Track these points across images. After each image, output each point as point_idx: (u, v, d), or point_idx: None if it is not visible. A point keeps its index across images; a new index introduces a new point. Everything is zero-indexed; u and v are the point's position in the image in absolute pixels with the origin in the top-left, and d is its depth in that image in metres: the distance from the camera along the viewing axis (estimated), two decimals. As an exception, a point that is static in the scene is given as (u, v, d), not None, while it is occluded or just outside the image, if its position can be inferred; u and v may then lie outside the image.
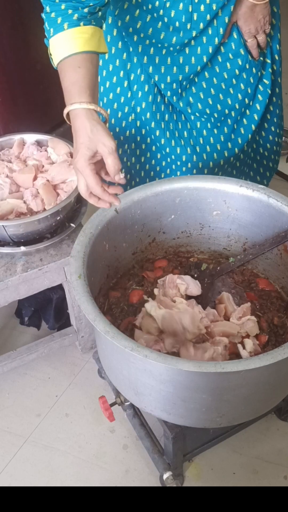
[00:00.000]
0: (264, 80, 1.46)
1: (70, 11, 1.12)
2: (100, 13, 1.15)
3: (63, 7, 1.13)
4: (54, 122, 2.18)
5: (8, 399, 1.61)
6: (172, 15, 1.28)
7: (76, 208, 1.44)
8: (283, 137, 2.56)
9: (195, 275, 1.31)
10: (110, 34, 1.38)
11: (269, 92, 1.47)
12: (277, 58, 1.47)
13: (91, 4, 1.12)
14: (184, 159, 1.53)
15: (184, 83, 1.41)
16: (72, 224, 1.41)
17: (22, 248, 1.35)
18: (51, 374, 1.66)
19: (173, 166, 1.55)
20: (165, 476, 1.33)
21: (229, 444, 1.47)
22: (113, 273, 1.31)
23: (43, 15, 1.16)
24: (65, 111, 1.10)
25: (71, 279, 1.05)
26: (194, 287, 1.25)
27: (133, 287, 1.31)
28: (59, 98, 2.28)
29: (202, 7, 1.26)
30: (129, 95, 1.45)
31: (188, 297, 1.25)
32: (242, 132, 1.50)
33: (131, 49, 1.39)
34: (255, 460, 1.45)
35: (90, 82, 1.10)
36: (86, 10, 1.13)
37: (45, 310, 1.77)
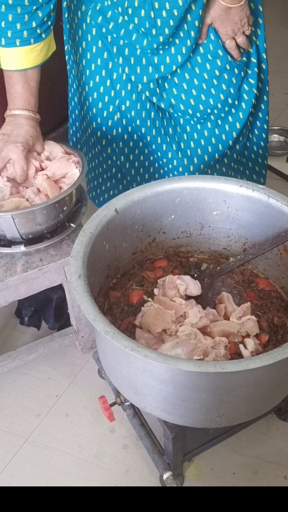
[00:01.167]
0: (250, 80, 1.45)
1: (18, 26, 1.22)
2: (49, 22, 1.25)
3: (10, 18, 1.21)
4: (55, 122, 2.18)
5: (8, 399, 1.61)
6: (136, 21, 1.28)
7: (76, 208, 1.44)
8: (283, 137, 2.59)
9: (195, 275, 1.31)
10: (90, 33, 1.38)
11: (255, 91, 1.47)
12: (264, 56, 1.47)
13: (34, 8, 1.20)
14: (169, 155, 1.53)
15: (160, 82, 1.41)
16: (72, 224, 1.41)
17: (22, 248, 1.35)
18: (51, 374, 1.66)
19: (160, 162, 1.56)
20: (165, 476, 1.33)
21: (229, 444, 1.47)
22: (113, 273, 1.31)
23: None
24: (15, 112, 1.33)
25: (71, 279, 1.05)
26: (194, 287, 1.26)
27: (133, 287, 1.31)
28: (60, 99, 2.28)
29: (164, 13, 1.26)
30: (112, 94, 1.46)
31: (188, 297, 1.25)
32: (227, 129, 1.50)
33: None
34: (255, 460, 1.45)
35: (37, 92, 1.35)
36: (34, 24, 1.22)
37: (45, 310, 1.77)
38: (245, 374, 0.97)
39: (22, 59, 1.27)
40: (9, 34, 1.23)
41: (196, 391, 1.02)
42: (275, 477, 1.42)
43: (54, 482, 1.43)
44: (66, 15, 1.44)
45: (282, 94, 2.88)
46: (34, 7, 1.21)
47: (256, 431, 1.50)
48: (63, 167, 1.39)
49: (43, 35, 1.26)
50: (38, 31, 1.24)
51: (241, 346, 1.15)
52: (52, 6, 1.23)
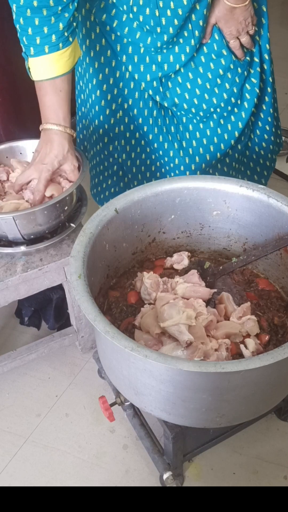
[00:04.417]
0: (252, 79, 1.46)
1: (45, 30, 1.19)
2: (74, 23, 1.22)
3: (36, 22, 1.18)
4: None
5: (8, 399, 1.61)
6: (141, 19, 1.29)
7: (76, 208, 1.44)
8: (283, 137, 2.58)
9: (198, 273, 1.31)
10: (93, 31, 1.38)
11: (257, 91, 1.47)
12: (267, 57, 1.47)
13: (59, 8, 1.17)
14: (171, 154, 1.54)
15: (163, 81, 1.41)
16: (72, 224, 1.41)
17: (22, 248, 1.35)
18: (51, 374, 1.66)
19: (162, 161, 1.56)
20: (165, 476, 1.33)
21: (229, 444, 1.47)
22: (113, 273, 1.31)
23: (16, 25, 1.20)
24: (46, 127, 1.30)
25: (71, 279, 1.05)
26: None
27: (132, 287, 1.30)
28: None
29: (168, 12, 1.26)
30: (115, 92, 1.46)
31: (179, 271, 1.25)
32: (229, 128, 1.51)
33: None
34: (255, 460, 1.45)
35: (69, 105, 1.30)
36: (61, 26, 1.19)
37: (45, 310, 1.77)
38: (245, 374, 0.96)
39: (51, 66, 1.23)
40: (38, 41, 1.19)
41: (196, 391, 1.01)
42: (275, 477, 1.42)
43: (54, 482, 1.43)
44: None
45: (282, 94, 2.89)
46: (60, 8, 1.17)
47: (256, 431, 1.50)
48: None
49: (70, 38, 1.22)
50: (66, 33, 1.20)
51: (241, 346, 1.15)
52: (76, 4, 1.19)
